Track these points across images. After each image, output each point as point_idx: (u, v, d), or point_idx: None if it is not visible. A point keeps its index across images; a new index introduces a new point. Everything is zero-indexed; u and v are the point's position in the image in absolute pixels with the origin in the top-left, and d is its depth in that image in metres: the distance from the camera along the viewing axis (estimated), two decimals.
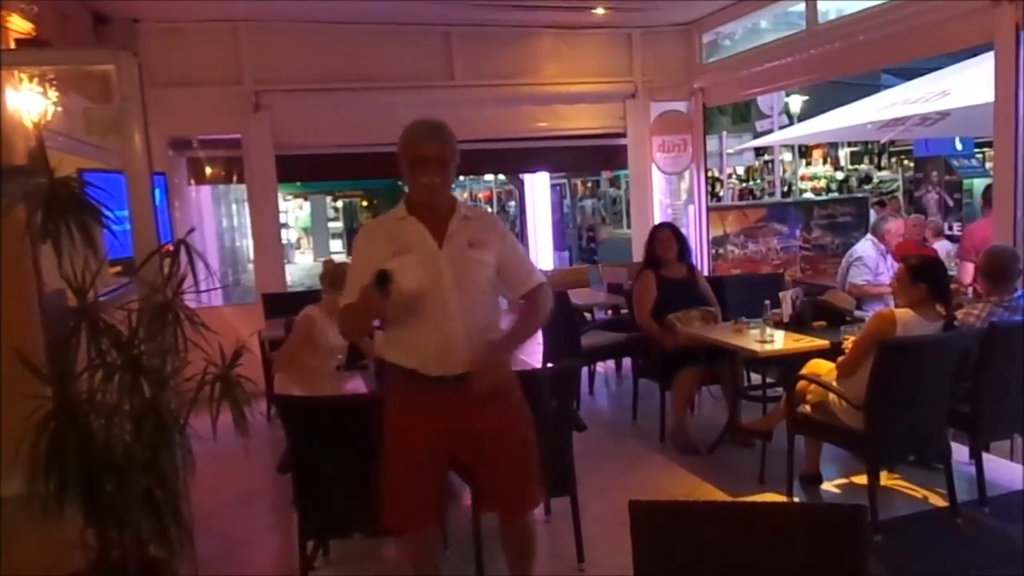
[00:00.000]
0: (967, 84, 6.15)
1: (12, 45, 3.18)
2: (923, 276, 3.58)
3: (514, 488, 2.58)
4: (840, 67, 6.00)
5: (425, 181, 2.41)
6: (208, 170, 7.25)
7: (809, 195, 17.31)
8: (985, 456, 3.81)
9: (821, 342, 4.13)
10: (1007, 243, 4.16)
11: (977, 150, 11.10)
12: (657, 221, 7.53)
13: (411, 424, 2.47)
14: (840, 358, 3.77)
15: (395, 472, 2.49)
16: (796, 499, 3.88)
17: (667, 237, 5.03)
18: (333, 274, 4.22)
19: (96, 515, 2.63)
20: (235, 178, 7.31)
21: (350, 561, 3.56)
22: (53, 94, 3.34)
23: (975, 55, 6.14)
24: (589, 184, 32.59)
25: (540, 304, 2.60)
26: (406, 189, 2.54)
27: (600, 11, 6.63)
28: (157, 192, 5.17)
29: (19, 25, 3.24)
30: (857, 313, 4.65)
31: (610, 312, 6.66)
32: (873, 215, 8.37)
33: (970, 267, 5.18)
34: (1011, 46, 4.09)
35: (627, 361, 6.20)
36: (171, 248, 2.90)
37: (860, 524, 1.69)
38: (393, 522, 2.53)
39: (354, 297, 2.35)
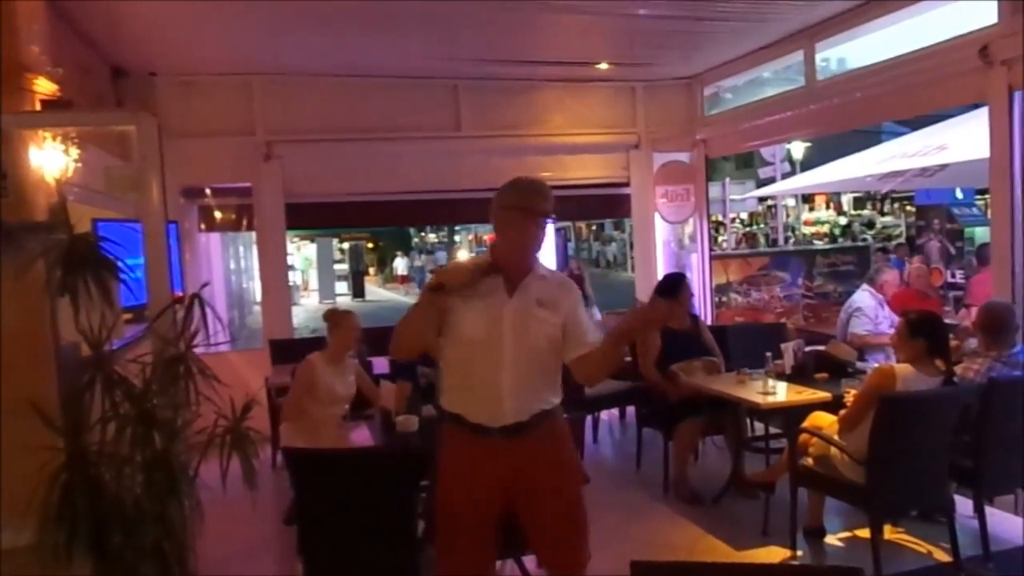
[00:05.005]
0: (964, 138, 6.26)
1: (38, 106, 3.30)
2: (921, 331, 3.63)
3: (562, 549, 2.57)
4: (838, 122, 6.11)
5: (535, 232, 2.52)
6: (218, 216, 7.36)
7: (804, 241, 17.43)
8: (989, 510, 3.82)
9: (823, 394, 4.16)
10: (1006, 298, 4.21)
11: (978, 197, 11.18)
12: (660, 268, 7.63)
13: (458, 473, 2.50)
14: (841, 412, 3.80)
15: (445, 523, 2.51)
16: (799, 552, 3.89)
17: None
18: (333, 319, 4.28)
19: (104, 566, 2.65)
20: (245, 224, 7.42)
21: None
22: (74, 151, 3.44)
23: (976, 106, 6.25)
24: (593, 227, 32.78)
25: None
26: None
27: (604, 66, 6.79)
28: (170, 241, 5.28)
29: (44, 87, 3.36)
30: (859, 364, 4.69)
31: None
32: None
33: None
34: (1004, 107, 4.19)
35: (631, 408, 6.22)
36: (185, 300, 2.96)
37: None
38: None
39: None
